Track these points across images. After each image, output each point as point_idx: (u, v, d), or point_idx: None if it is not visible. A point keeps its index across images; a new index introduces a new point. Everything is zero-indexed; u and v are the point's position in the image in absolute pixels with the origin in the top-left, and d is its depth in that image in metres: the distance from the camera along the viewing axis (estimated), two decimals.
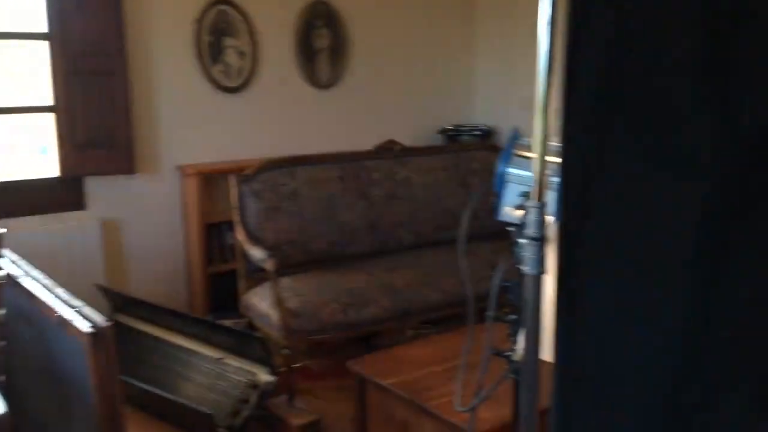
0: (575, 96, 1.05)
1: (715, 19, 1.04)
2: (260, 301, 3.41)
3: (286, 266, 3.56)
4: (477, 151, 4.53)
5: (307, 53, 4.54)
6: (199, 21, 4.07)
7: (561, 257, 1.12)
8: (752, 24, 1.05)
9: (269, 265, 3.23)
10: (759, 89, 1.05)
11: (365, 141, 4.26)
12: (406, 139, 4.43)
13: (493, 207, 1.73)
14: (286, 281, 3.43)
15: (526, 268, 1.45)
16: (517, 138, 1.73)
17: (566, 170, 1.09)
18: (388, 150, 4.14)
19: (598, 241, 1.10)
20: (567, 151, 1.08)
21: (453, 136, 5.11)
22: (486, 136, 5.06)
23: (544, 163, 1.36)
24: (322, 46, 4.60)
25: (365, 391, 2.71)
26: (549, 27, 1.29)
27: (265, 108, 4.37)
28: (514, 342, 1.63)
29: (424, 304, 3.57)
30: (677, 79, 1.05)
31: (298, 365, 3.53)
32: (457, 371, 2.44)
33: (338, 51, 4.66)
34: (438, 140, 5.11)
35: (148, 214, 4.05)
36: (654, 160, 1.07)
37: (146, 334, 3.43)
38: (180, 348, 3.30)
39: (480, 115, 5.27)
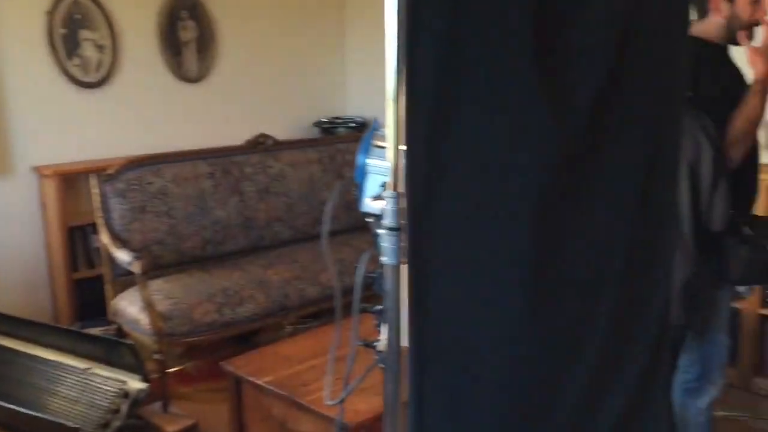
0: (417, 82, 1.05)
1: (546, 7, 1.07)
2: (129, 306, 3.27)
3: (157, 268, 3.43)
4: (352, 143, 4.53)
5: (172, 46, 4.37)
6: (51, 13, 3.82)
7: (409, 243, 1.13)
8: (582, 8, 1.10)
9: (136, 268, 3.10)
10: (585, 67, 1.10)
11: (237, 135, 4.15)
12: (281, 132, 4.36)
13: (356, 199, 1.72)
14: (156, 283, 3.30)
15: (385, 259, 1.46)
16: (376, 129, 1.73)
17: (411, 159, 1.09)
18: (261, 144, 4.07)
19: (444, 225, 1.11)
20: (411, 138, 1.09)
21: (328, 128, 5.09)
22: (361, 127, 5.07)
23: (398, 153, 1.36)
24: (188, 38, 4.45)
25: (241, 391, 2.66)
26: (397, 15, 1.29)
27: (128, 104, 4.17)
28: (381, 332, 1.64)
29: (301, 299, 3.55)
30: (513, 58, 1.07)
31: (173, 370, 3.41)
32: (334, 365, 2.43)
33: (206, 44, 4.51)
34: (314, 133, 5.07)
35: (2, 219, 3.77)
36: (493, 144, 1.10)
37: (4, 348, 3.21)
38: (42, 361, 3.10)
39: (355, 107, 5.27)
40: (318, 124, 5.09)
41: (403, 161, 1.37)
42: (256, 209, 3.91)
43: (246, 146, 4.03)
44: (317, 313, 3.69)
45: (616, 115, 1.21)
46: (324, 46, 5.18)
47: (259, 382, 2.52)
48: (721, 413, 2.89)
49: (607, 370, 1.29)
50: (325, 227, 1.76)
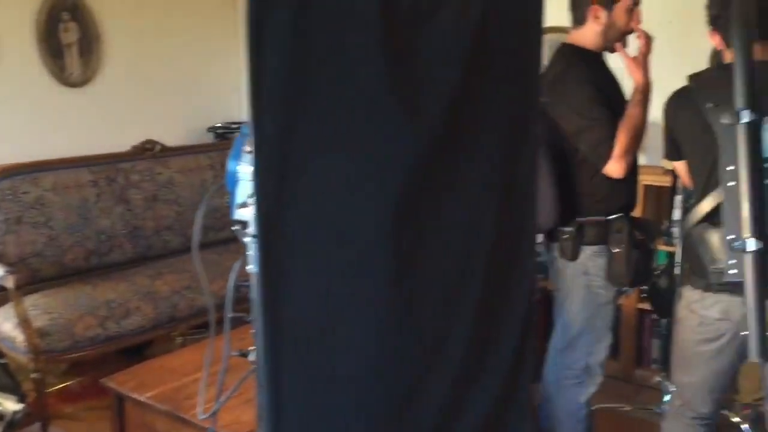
0: (263, 84, 1.04)
1: (396, 13, 1.07)
2: (2, 323, 3.09)
3: (37, 281, 3.27)
4: None
5: (53, 49, 4.16)
6: None
7: (261, 250, 1.10)
8: (435, 12, 1.11)
9: (9, 282, 2.94)
10: (439, 72, 1.11)
11: (126, 142, 4.00)
12: (173, 138, 4.23)
13: (228, 206, 1.69)
14: (33, 298, 3.14)
15: (251, 267, 1.43)
16: (247, 133, 1.69)
17: (260, 164, 1.07)
18: (148, 150, 3.94)
19: (297, 230, 1.10)
20: (259, 141, 1.07)
21: (223, 133, 4.98)
22: None
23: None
24: (70, 40, 4.25)
25: (124, 408, 2.55)
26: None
27: (3, 109, 3.94)
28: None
29: (192, 309, 3.45)
30: (364, 64, 1.07)
31: (55, 388, 3.25)
32: (217, 377, 2.37)
33: (90, 46, 4.32)
34: (208, 138, 4.94)
35: None
36: (346, 148, 1.09)
37: None
38: None
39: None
40: (212, 129, 4.97)
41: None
42: (143, 218, 3.78)
43: (132, 152, 3.89)
44: (209, 323, 3.60)
45: (473, 118, 1.23)
46: (217, 47, 5.06)
47: (141, 398, 2.43)
48: (602, 405, 3.00)
49: (473, 369, 1.31)
50: (196, 236, 1.72)
